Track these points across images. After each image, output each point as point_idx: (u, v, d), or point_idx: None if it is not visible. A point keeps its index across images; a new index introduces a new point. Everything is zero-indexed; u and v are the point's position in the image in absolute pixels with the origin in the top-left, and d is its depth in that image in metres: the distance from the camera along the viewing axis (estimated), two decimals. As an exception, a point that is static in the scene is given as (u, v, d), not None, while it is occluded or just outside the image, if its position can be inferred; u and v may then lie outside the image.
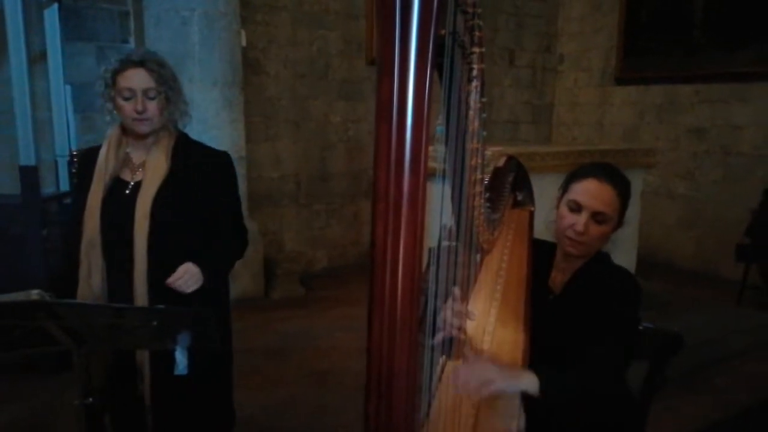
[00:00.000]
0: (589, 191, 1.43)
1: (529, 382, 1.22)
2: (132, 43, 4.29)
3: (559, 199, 1.53)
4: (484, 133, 1.32)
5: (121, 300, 1.64)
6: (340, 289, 4.74)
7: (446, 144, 1.21)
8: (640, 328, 1.70)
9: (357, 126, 5.43)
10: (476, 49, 1.21)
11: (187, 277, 1.64)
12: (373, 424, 0.96)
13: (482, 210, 1.39)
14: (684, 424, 2.81)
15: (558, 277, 1.56)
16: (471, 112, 1.25)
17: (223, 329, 1.81)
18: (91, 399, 1.40)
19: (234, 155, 4.48)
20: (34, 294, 1.20)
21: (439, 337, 1.27)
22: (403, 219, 0.94)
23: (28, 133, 3.13)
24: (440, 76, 1.20)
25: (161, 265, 1.66)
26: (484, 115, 1.30)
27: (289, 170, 5.17)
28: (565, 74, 6.61)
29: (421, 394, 1.18)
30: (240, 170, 4.48)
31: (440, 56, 1.16)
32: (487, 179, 1.43)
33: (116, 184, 1.69)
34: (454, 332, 1.26)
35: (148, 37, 4.07)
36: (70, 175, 3.76)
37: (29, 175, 3.14)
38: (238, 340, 3.68)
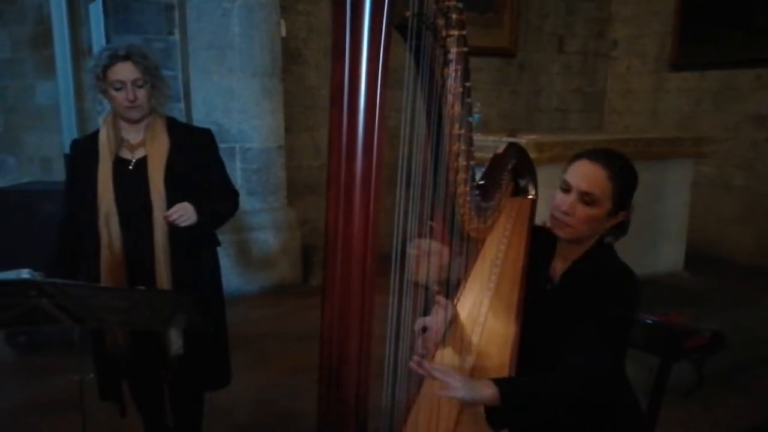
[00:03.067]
0: (579, 171, 1.39)
1: (489, 395, 1.19)
2: (177, 36, 4.40)
3: None
4: (470, 119, 1.29)
5: (142, 265, 1.82)
6: (376, 278, 4.74)
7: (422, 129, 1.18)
8: (649, 322, 1.63)
9: (398, 115, 5.32)
10: (454, 32, 1.18)
11: (182, 212, 1.79)
12: (324, 410, 0.96)
13: (468, 198, 1.35)
14: (721, 426, 2.68)
15: (558, 266, 1.51)
16: (450, 97, 1.22)
17: (219, 308, 2.03)
18: (91, 375, 1.46)
19: (273, 144, 4.55)
20: (25, 273, 1.26)
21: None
22: (356, 204, 0.93)
23: (72, 122, 3.28)
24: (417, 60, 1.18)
25: (177, 229, 1.82)
26: (469, 100, 1.27)
27: (329, 159, 5.19)
28: (619, 60, 6.35)
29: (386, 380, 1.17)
30: (279, 159, 4.56)
31: (416, 40, 1.14)
32: (475, 165, 1.39)
33: (117, 162, 1.85)
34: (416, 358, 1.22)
35: (189, 28, 4.16)
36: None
37: (73, 163, 3.29)
38: (272, 325, 3.81)
